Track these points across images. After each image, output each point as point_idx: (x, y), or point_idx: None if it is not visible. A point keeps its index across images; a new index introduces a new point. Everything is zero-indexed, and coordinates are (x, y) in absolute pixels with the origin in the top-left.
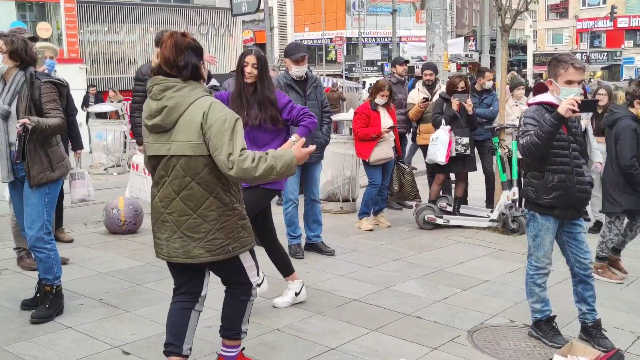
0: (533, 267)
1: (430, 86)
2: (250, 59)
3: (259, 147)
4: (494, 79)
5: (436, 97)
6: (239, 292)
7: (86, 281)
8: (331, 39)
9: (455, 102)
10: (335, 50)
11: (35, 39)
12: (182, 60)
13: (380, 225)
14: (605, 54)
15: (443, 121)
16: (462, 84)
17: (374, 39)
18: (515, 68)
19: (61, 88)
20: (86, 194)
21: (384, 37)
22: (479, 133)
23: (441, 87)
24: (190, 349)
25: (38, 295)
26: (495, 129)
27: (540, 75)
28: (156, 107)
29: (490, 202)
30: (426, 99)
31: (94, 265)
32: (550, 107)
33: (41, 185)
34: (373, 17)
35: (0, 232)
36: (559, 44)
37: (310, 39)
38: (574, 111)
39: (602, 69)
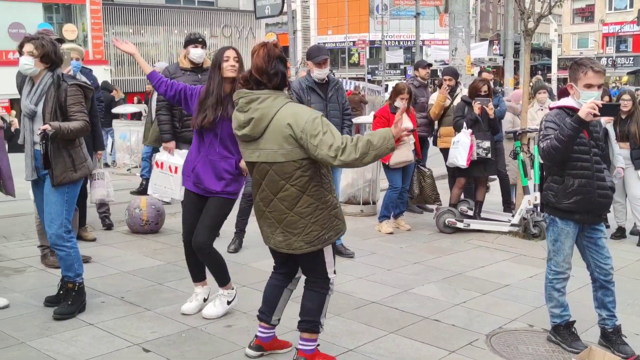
0: (552, 272)
1: (451, 91)
2: (231, 53)
3: (233, 148)
4: (517, 83)
5: (457, 101)
6: (318, 284)
7: (108, 279)
8: (354, 42)
9: (477, 106)
10: (358, 53)
11: (61, 40)
12: (272, 68)
13: (400, 229)
14: (632, 58)
15: (464, 124)
16: (484, 88)
17: (396, 42)
18: (539, 72)
19: (87, 91)
20: (105, 195)
21: (407, 41)
22: None
23: (462, 91)
24: (279, 320)
25: (61, 292)
26: (517, 133)
27: (565, 79)
28: (244, 119)
29: (507, 205)
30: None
31: (115, 264)
32: (572, 112)
33: (65, 184)
34: (396, 20)
35: (25, 230)
36: (585, 48)
37: (333, 42)
38: (594, 115)
39: (628, 73)
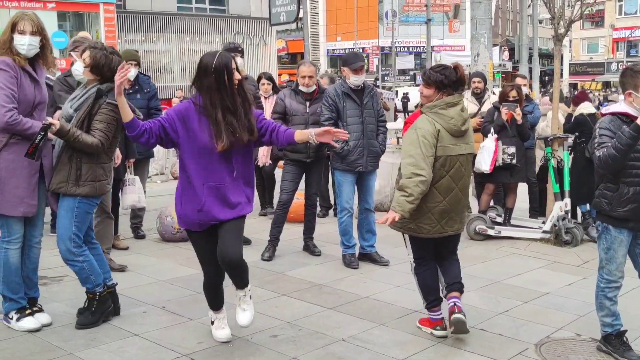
0: (604, 280)
1: (479, 95)
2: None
3: (246, 169)
4: (530, 87)
5: (485, 106)
6: (457, 256)
7: (146, 289)
8: (363, 48)
9: (504, 112)
10: (368, 60)
11: (116, 53)
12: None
13: None
14: None
15: (492, 130)
16: (513, 93)
17: (406, 48)
18: (547, 78)
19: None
20: (137, 200)
21: (417, 47)
22: None
23: (490, 97)
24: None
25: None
26: (549, 139)
27: (575, 85)
28: (463, 117)
29: (534, 211)
30: (482, 118)
31: (151, 272)
32: (626, 118)
33: (69, 196)
34: (405, 26)
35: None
36: (595, 53)
37: (342, 49)
38: None
39: None
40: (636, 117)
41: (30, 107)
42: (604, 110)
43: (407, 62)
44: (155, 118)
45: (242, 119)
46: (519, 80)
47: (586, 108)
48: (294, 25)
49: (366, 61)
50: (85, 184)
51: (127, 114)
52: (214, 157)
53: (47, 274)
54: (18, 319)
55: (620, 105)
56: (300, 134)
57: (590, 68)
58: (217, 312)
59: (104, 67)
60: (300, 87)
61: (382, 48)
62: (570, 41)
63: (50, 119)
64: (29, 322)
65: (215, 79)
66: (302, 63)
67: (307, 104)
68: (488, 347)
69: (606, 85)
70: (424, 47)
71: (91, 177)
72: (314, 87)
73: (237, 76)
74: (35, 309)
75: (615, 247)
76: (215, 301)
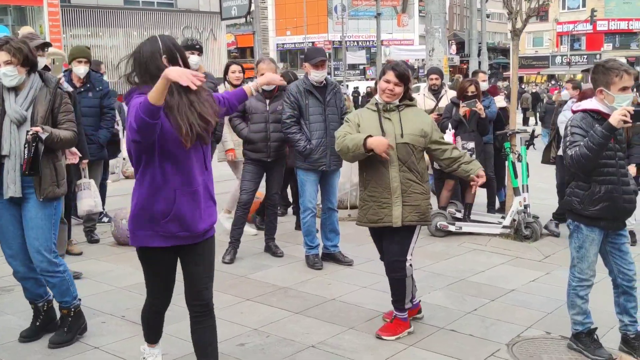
0: (576, 279)
1: (436, 91)
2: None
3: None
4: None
5: (442, 102)
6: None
7: (104, 297)
8: (313, 42)
9: (462, 110)
10: None
11: (48, 44)
12: None
13: None
14: (586, 56)
15: (449, 125)
16: (472, 88)
17: (356, 43)
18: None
19: (73, 100)
20: (93, 205)
21: (366, 41)
22: None
23: (447, 92)
24: None
25: (38, 322)
26: (507, 134)
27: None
28: None
29: (491, 207)
30: (440, 115)
31: (108, 279)
32: (597, 115)
33: (48, 202)
34: (355, 20)
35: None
36: (539, 46)
37: (292, 43)
38: (625, 122)
39: (583, 71)
40: (608, 115)
41: None
42: (574, 107)
43: (358, 57)
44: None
45: (205, 102)
46: (480, 76)
47: (497, 102)
48: (242, 20)
49: None
50: (61, 183)
51: (164, 96)
52: (184, 153)
53: None
54: None
55: (592, 102)
56: (247, 88)
57: (536, 61)
58: (152, 345)
59: (30, 54)
60: None
61: (332, 42)
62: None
63: (34, 128)
64: None
65: (168, 61)
66: (261, 60)
67: (267, 102)
68: (460, 349)
69: (551, 77)
70: (373, 41)
71: (63, 174)
72: (274, 85)
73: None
74: None
75: (586, 246)
76: (154, 334)
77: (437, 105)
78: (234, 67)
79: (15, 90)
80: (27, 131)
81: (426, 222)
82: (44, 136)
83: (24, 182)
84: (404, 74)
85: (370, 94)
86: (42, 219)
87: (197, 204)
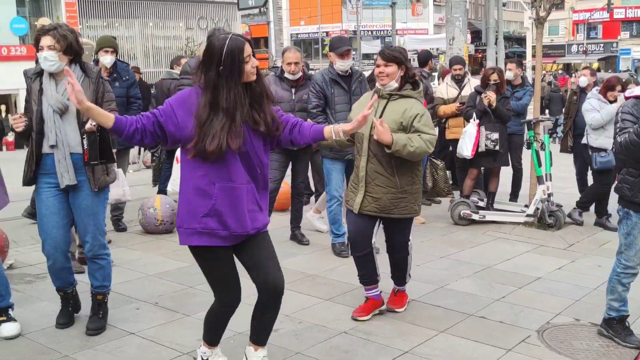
0: (622, 266)
1: (459, 80)
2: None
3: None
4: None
5: (465, 90)
6: None
7: (136, 284)
8: (327, 32)
9: (486, 100)
10: None
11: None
12: None
13: (416, 222)
14: (602, 45)
15: (474, 115)
16: (494, 76)
17: (370, 32)
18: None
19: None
20: (121, 194)
21: (380, 30)
22: (507, 126)
23: (470, 81)
24: None
25: (70, 308)
26: (532, 123)
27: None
28: None
29: (514, 196)
30: (462, 103)
31: (139, 266)
32: None
33: (100, 189)
34: (369, 10)
35: (34, 233)
36: (555, 35)
37: (306, 33)
38: None
39: (599, 60)
40: None
41: None
42: (627, 93)
43: (373, 46)
44: (149, 111)
45: (238, 124)
46: (509, 66)
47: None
48: (256, 10)
49: None
50: (110, 171)
51: (107, 118)
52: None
53: (31, 271)
54: None
55: None
56: (328, 131)
57: (552, 50)
58: (212, 347)
59: (75, 43)
60: (286, 74)
61: (347, 32)
62: (532, 24)
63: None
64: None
65: (220, 73)
66: (287, 49)
67: (293, 90)
68: (491, 335)
69: (567, 66)
70: (387, 30)
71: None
72: (300, 74)
73: (253, 64)
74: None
75: (635, 233)
76: (216, 336)
77: (459, 94)
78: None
79: (56, 80)
80: (85, 123)
81: (390, 214)
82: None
83: (77, 169)
84: (391, 55)
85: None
86: (97, 205)
87: (238, 202)
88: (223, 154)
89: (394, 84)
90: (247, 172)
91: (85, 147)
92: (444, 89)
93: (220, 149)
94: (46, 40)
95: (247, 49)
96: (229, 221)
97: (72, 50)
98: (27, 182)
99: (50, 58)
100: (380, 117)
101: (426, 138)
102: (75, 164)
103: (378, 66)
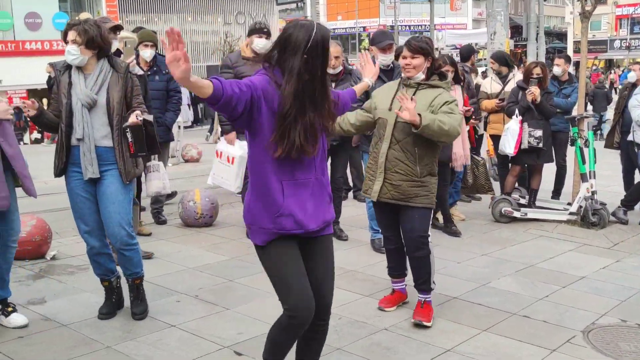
0: None
1: (504, 75)
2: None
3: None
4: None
5: (509, 86)
6: None
7: (176, 277)
8: (364, 27)
9: (530, 96)
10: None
11: (120, 27)
12: None
13: (455, 219)
14: None
15: (516, 111)
16: (537, 70)
17: (407, 27)
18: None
19: (144, 82)
20: (162, 187)
21: (418, 25)
22: (553, 123)
23: (515, 76)
24: None
25: (114, 299)
26: (576, 119)
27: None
28: None
29: (557, 194)
30: (501, 99)
31: (179, 259)
32: None
33: (130, 181)
34: (407, 5)
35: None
36: (597, 30)
37: (343, 28)
38: None
39: None
40: None
41: None
42: None
43: None
44: (243, 81)
45: (326, 116)
46: (556, 61)
47: None
48: (293, 5)
49: (367, 41)
50: (139, 164)
51: (206, 85)
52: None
53: (73, 262)
54: None
55: None
56: (359, 89)
57: (593, 46)
58: None
59: (97, 37)
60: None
61: (384, 27)
62: (574, 18)
63: (137, 113)
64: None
65: (306, 61)
66: None
67: (333, 85)
68: (534, 335)
69: (609, 63)
70: (425, 25)
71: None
72: (340, 68)
73: (333, 54)
74: (9, 309)
75: None
76: (281, 354)
77: (503, 89)
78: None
79: (84, 74)
80: (126, 118)
81: (408, 203)
82: (149, 117)
83: (101, 161)
84: (417, 46)
85: None
86: (122, 194)
87: (307, 197)
88: (310, 151)
89: (421, 76)
90: (319, 164)
91: (130, 140)
92: (488, 83)
93: (306, 145)
94: (70, 35)
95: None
96: (300, 217)
97: (94, 45)
98: (58, 173)
99: (72, 52)
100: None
101: (455, 118)
102: (99, 156)
103: (404, 57)
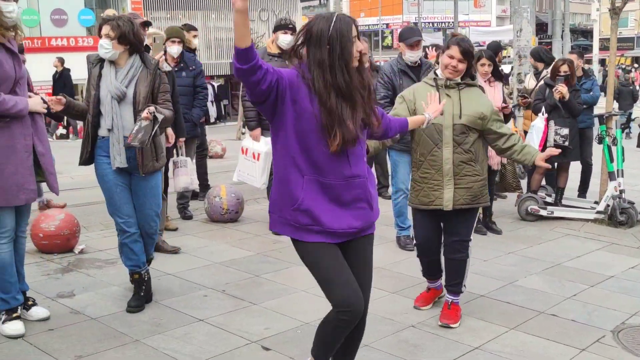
0: None
1: (539, 71)
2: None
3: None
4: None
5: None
6: None
7: (203, 271)
8: (388, 24)
9: (557, 94)
10: (392, 36)
11: (148, 23)
12: None
13: (481, 217)
14: None
15: (543, 109)
16: (564, 68)
17: (431, 24)
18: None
19: (172, 78)
20: (189, 182)
21: (441, 22)
22: (579, 120)
23: (547, 73)
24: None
25: (142, 293)
26: (604, 117)
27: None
28: None
29: (583, 192)
30: (525, 97)
31: (205, 254)
32: None
33: (150, 173)
34: (430, 1)
35: (103, 219)
36: (624, 27)
37: (366, 25)
38: None
39: None
40: None
41: (12, 84)
42: None
43: (435, 38)
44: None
45: (359, 108)
46: (571, 57)
47: None
48: (316, 2)
49: (390, 38)
50: (160, 157)
51: (249, 35)
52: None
53: (101, 256)
54: (3, 322)
55: None
56: (414, 121)
57: (620, 43)
58: None
59: (130, 34)
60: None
61: (408, 24)
62: (600, 15)
63: (151, 108)
64: (10, 328)
65: (329, 51)
66: None
67: None
68: (563, 334)
69: (635, 60)
70: (448, 22)
71: (161, 148)
72: (367, 64)
73: (358, 48)
74: (29, 303)
75: None
76: (330, 351)
77: (537, 85)
78: (484, 61)
79: (116, 68)
80: (140, 110)
81: (479, 204)
82: (160, 116)
83: (131, 155)
84: (469, 51)
85: None
86: (156, 187)
87: (332, 198)
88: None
89: (458, 79)
90: (350, 163)
91: (134, 130)
92: (526, 79)
93: (350, 137)
94: (104, 29)
95: (354, 30)
96: (319, 215)
97: (126, 40)
98: (82, 162)
99: (105, 46)
100: (460, 107)
101: (507, 127)
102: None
103: (452, 57)
